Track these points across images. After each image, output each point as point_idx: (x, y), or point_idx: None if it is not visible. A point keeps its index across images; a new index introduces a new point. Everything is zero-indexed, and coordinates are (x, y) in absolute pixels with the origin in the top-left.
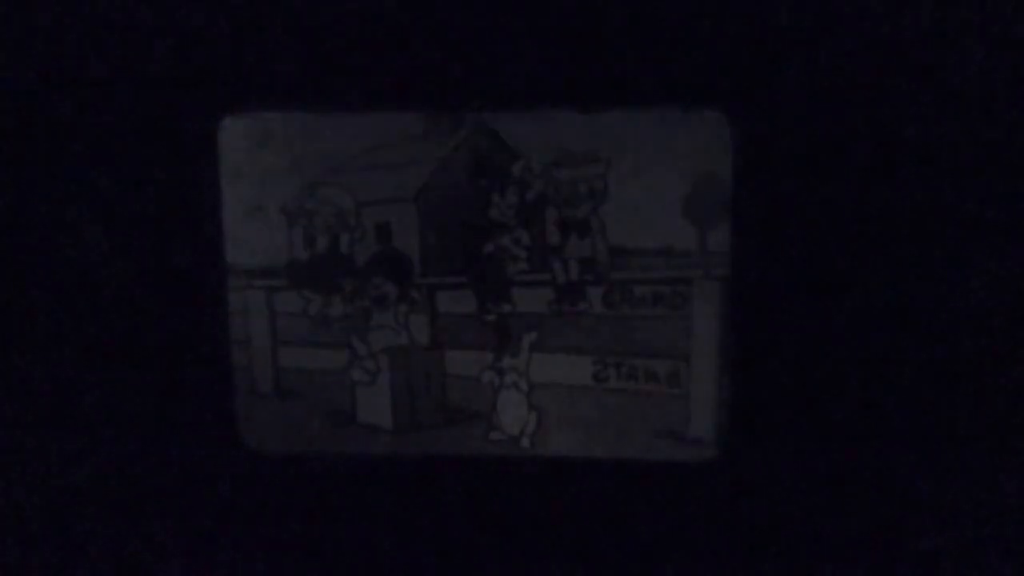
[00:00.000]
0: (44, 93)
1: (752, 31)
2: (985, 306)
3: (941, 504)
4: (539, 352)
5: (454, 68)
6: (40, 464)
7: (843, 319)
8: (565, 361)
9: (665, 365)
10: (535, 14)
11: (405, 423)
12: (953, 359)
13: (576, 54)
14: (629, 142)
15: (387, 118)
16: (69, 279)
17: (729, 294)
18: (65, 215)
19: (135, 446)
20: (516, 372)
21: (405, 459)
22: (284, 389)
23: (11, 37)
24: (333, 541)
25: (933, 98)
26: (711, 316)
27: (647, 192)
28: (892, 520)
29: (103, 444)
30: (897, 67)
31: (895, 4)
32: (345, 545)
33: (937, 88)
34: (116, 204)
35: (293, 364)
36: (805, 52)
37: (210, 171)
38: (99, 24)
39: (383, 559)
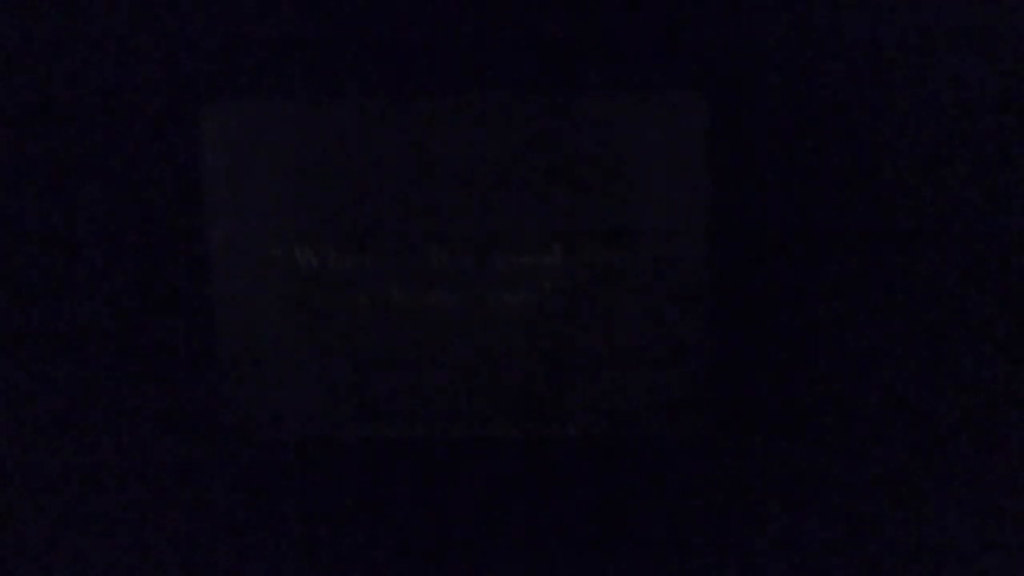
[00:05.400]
0: (28, 90)
1: (732, 13)
2: (970, 303)
3: (927, 494)
4: None
5: (433, 56)
6: (31, 454)
7: (826, 306)
8: None
9: (650, 350)
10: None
11: None
12: (936, 354)
13: (552, 39)
14: (605, 125)
15: (367, 106)
16: (53, 270)
17: (710, 278)
18: (49, 206)
19: (123, 434)
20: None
21: (395, 440)
22: (271, 373)
23: None
24: (322, 522)
25: (918, 88)
26: (692, 301)
27: (625, 176)
28: (877, 510)
29: (91, 433)
30: (879, 57)
31: None
32: (333, 525)
33: (924, 81)
34: (100, 191)
35: (281, 349)
36: (784, 36)
37: (193, 160)
38: (85, 15)
39: (370, 537)
